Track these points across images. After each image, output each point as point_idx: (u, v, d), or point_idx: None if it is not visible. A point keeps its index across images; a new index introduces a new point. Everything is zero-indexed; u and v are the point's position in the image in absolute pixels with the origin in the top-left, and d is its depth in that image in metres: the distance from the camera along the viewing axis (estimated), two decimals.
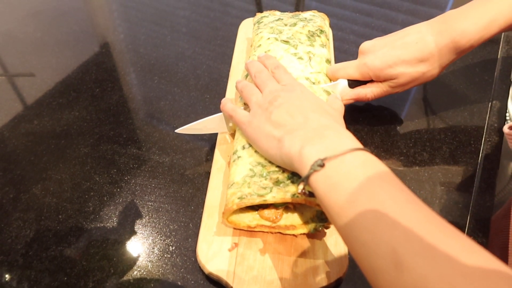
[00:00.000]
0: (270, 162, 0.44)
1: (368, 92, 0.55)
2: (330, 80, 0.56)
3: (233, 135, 0.55)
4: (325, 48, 0.56)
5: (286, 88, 0.45)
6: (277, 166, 0.43)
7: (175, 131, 0.54)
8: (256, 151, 0.45)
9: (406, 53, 0.51)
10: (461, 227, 0.49)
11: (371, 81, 0.55)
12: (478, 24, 0.49)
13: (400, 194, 0.32)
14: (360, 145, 0.36)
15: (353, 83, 0.55)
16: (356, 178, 0.33)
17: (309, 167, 0.36)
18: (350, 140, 0.37)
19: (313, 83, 0.51)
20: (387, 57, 0.51)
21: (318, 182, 0.35)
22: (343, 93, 0.56)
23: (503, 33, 0.75)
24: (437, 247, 0.28)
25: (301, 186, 0.38)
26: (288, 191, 0.41)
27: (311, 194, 0.38)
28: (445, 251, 0.27)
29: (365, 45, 0.54)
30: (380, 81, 0.54)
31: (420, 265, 0.27)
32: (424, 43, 0.50)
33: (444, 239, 0.28)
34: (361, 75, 0.54)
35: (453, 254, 0.27)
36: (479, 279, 0.25)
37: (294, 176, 0.42)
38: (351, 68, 0.54)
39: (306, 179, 0.36)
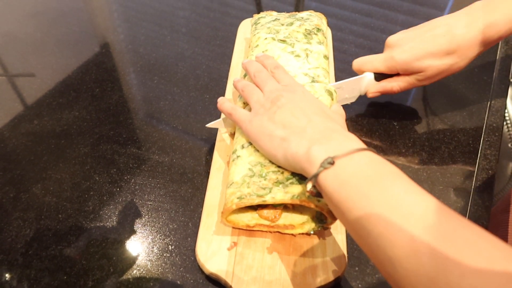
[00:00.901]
0: (269, 162, 0.44)
1: (394, 85, 0.56)
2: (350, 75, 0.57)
3: (232, 135, 0.55)
4: (322, 45, 0.56)
5: (288, 88, 0.46)
6: (277, 166, 0.44)
7: (206, 125, 0.54)
8: (255, 151, 0.45)
9: (434, 46, 0.51)
10: None
11: (398, 74, 0.55)
12: (507, 16, 0.49)
13: (411, 187, 0.32)
14: (365, 146, 0.37)
15: (379, 76, 0.56)
16: (366, 175, 0.34)
17: (317, 166, 0.36)
18: (356, 142, 0.38)
19: (313, 78, 0.51)
20: (415, 50, 0.52)
21: (328, 179, 0.35)
22: (369, 86, 0.57)
23: None
24: (455, 233, 0.28)
25: (309, 185, 0.37)
26: (288, 192, 0.41)
27: (319, 194, 0.38)
28: (463, 236, 0.28)
29: (392, 39, 0.55)
30: (407, 74, 0.54)
31: (441, 249, 0.27)
32: (452, 35, 0.51)
33: (459, 227, 0.28)
34: (388, 69, 0.55)
35: (472, 239, 0.27)
36: (501, 261, 0.26)
37: (294, 177, 0.42)
38: (378, 62, 0.55)
39: (315, 178, 0.36)
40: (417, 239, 0.28)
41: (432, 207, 0.30)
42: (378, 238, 0.31)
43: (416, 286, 0.28)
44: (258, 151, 0.45)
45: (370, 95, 0.58)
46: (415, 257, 0.28)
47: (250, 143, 0.46)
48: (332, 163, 0.35)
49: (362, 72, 0.57)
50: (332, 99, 0.49)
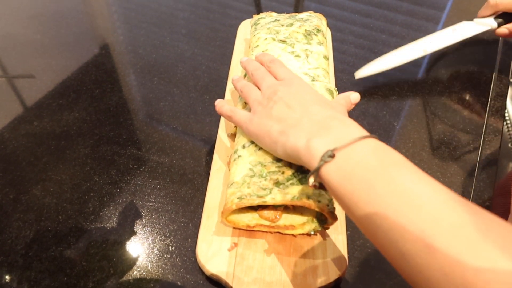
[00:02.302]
0: (270, 162, 0.44)
1: None
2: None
3: (232, 136, 0.55)
4: (322, 46, 0.56)
5: (284, 82, 0.45)
6: (277, 167, 0.44)
7: (356, 77, 0.58)
8: (256, 150, 0.45)
9: None
10: None
11: None
12: None
13: (417, 177, 0.31)
14: (367, 133, 0.36)
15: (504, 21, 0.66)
16: (370, 166, 0.33)
17: (318, 159, 0.35)
18: (357, 129, 0.36)
19: (313, 78, 0.51)
20: None
21: (330, 173, 0.34)
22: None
23: None
24: (466, 224, 0.27)
25: (311, 179, 0.36)
26: (288, 193, 0.41)
27: (322, 187, 0.37)
28: (475, 228, 0.27)
29: None
30: None
31: (453, 243, 0.27)
32: None
33: (470, 217, 0.28)
34: None
35: (483, 229, 0.27)
36: None
37: (294, 178, 0.42)
38: None
39: (316, 172, 0.35)
40: (429, 232, 0.27)
41: (441, 197, 0.29)
42: (388, 233, 0.30)
43: (430, 280, 0.27)
44: (258, 151, 0.45)
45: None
46: (428, 252, 0.27)
47: (251, 143, 0.46)
48: (332, 156, 0.34)
49: (498, 8, 0.65)
50: (333, 98, 0.49)
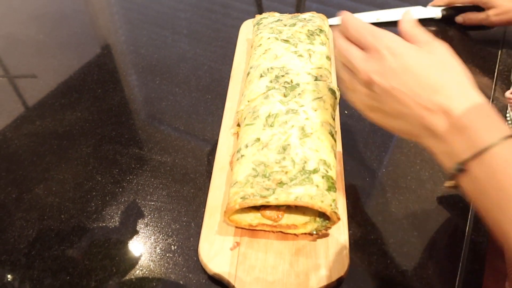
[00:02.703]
0: (273, 161, 0.44)
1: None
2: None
3: (235, 135, 0.55)
4: (325, 46, 0.57)
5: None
6: (280, 166, 0.44)
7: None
8: (259, 150, 0.45)
9: None
10: (462, 226, 0.49)
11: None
12: None
13: None
14: (507, 131, 0.32)
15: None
16: (508, 185, 0.30)
17: (451, 165, 0.34)
18: (498, 127, 0.33)
19: (316, 78, 0.51)
20: None
21: (464, 183, 0.33)
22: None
23: (504, 34, 0.76)
24: None
25: (449, 184, 0.35)
26: (291, 193, 0.41)
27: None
28: None
29: None
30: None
31: None
32: None
33: None
34: None
35: None
36: None
37: (297, 178, 0.42)
38: None
39: (451, 178, 0.34)
40: None
41: None
42: None
43: None
44: (262, 150, 0.45)
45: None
46: None
47: (255, 142, 0.46)
48: (463, 170, 0.32)
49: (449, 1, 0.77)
50: (336, 97, 0.50)
